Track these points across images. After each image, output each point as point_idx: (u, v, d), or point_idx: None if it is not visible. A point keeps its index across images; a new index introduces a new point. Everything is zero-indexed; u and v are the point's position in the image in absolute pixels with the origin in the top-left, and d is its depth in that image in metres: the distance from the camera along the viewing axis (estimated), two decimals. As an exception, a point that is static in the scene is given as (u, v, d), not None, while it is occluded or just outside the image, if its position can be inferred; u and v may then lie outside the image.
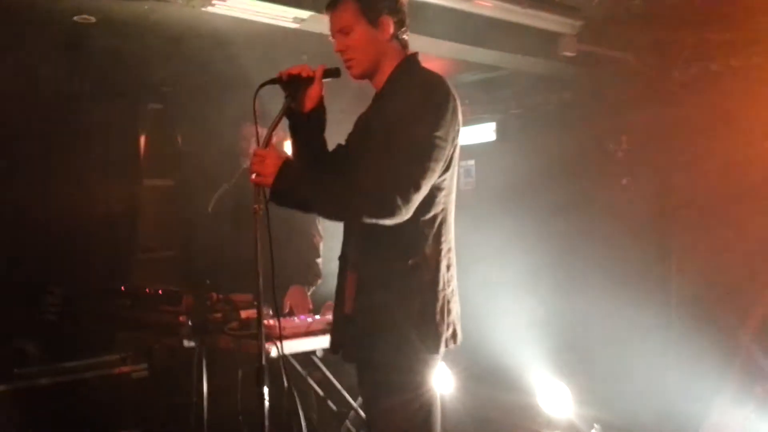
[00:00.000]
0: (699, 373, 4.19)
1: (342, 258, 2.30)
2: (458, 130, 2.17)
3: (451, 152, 2.14)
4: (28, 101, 5.02)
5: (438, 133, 2.06)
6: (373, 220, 2.02)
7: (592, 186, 5.15)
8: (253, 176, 2.09)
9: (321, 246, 3.95)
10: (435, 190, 2.12)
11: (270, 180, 2.06)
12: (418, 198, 2.04)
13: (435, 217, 2.16)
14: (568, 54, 4.38)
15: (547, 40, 4.37)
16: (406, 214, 2.02)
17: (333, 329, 2.35)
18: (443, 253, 2.18)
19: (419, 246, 2.13)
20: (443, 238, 2.19)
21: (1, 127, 4.89)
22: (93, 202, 5.29)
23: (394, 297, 2.10)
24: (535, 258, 5.00)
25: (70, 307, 4.57)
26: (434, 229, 2.16)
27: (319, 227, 3.98)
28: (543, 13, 4.05)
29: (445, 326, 2.14)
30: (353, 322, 2.18)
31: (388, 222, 2.01)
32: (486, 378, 4.95)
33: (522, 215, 5.15)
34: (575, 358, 4.80)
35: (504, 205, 5.34)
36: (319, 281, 3.90)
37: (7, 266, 4.81)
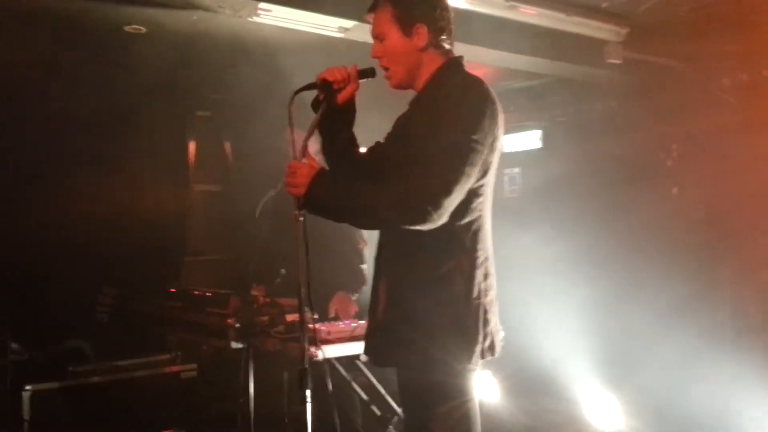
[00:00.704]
0: (752, 386, 4.09)
1: (376, 262, 2.29)
2: (498, 136, 2.11)
3: (489, 157, 2.08)
4: (82, 107, 5.20)
5: (475, 137, 2.01)
6: (406, 227, 2.01)
7: (641, 195, 5.06)
8: (287, 187, 2.13)
9: (366, 251, 3.98)
10: (471, 196, 2.07)
11: (302, 191, 2.08)
12: (451, 203, 1.99)
13: (470, 223, 2.11)
14: (615, 61, 4.34)
15: (593, 47, 4.34)
16: (438, 220, 1.97)
17: (367, 333, 2.31)
18: (479, 261, 2.12)
19: (453, 253, 2.08)
20: (479, 246, 2.13)
21: (57, 132, 5.08)
22: (144, 206, 5.44)
23: (426, 305, 2.06)
24: (582, 267, 4.95)
25: (123, 308, 4.70)
26: (469, 236, 2.11)
27: (364, 233, 4.01)
28: (588, 21, 4.02)
29: (481, 337, 2.08)
30: (384, 329, 2.17)
31: (420, 228, 1.99)
32: (532, 388, 4.92)
33: (568, 224, 5.10)
34: (623, 369, 4.73)
35: (550, 213, 5.31)
36: (364, 287, 3.93)
37: (64, 267, 4.98)
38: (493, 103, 2.09)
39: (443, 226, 2.00)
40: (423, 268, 2.08)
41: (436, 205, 1.95)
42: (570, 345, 4.81)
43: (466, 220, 2.09)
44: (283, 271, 3.92)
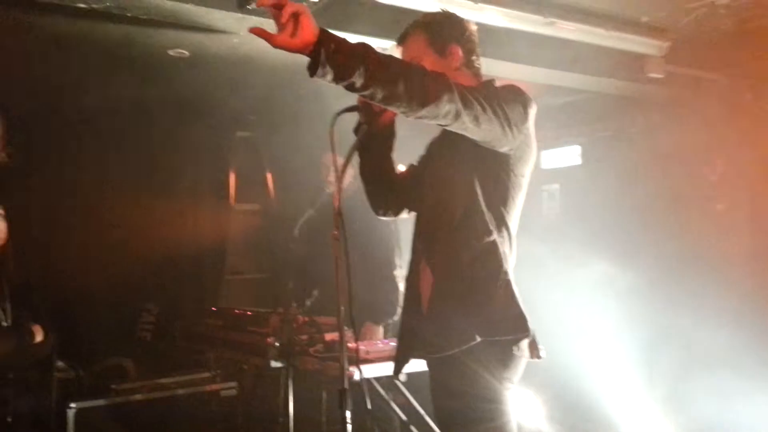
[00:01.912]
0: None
1: (414, 253, 2.31)
2: (532, 136, 2.20)
3: (527, 142, 2.17)
4: (125, 130, 5.33)
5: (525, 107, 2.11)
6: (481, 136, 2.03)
7: (684, 211, 4.96)
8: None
9: (401, 274, 3.95)
10: (513, 177, 2.16)
11: (312, 33, 1.76)
12: (519, 133, 2.07)
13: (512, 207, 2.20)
14: (656, 75, 4.27)
15: (634, 61, 4.28)
16: (515, 136, 2.06)
17: (410, 327, 2.31)
18: (513, 237, 2.21)
19: (489, 229, 2.14)
20: (512, 224, 2.21)
21: (101, 154, 5.21)
22: (186, 226, 5.53)
23: (470, 283, 2.11)
24: (624, 286, 4.85)
25: (165, 326, 4.78)
26: (509, 211, 2.19)
27: (397, 260, 3.97)
28: (628, 35, 3.97)
29: (522, 305, 2.14)
30: (436, 316, 2.17)
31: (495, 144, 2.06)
32: (575, 412, 4.81)
33: (609, 242, 5.01)
34: (669, 390, 4.60)
35: (590, 230, 5.22)
36: (396, 316, 3.89)
37: (108, 287, 5.09)
38: (531, 101, 2.16)
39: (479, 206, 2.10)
40: (460, 248, 2.13)
41: (509, 123, 2.03)
42: (615, 365, 4.70)
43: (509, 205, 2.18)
44: (315, 292, 3.93)
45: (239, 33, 3.47)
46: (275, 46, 1.77)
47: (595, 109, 5.55)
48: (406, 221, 2.55)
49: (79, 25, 3.52)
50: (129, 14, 3.12)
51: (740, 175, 4.76)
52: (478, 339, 2.07)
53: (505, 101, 2.05)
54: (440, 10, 2.38)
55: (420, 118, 1.92)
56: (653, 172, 5.06)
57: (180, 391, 3.93)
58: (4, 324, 3.15)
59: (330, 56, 1.76)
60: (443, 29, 2.26)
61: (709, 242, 4.76)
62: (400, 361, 2.36)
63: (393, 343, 3.17)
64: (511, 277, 2.16)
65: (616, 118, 5.57)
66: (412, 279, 2.33)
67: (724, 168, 4.90)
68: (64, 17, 3.39)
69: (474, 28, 2.32)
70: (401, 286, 3.85)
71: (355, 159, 2.35)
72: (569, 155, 5.86)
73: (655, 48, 4.14)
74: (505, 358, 2.11)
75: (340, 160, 2.19)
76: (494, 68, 2.32)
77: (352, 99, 2.23)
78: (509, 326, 2.10)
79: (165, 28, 3.50)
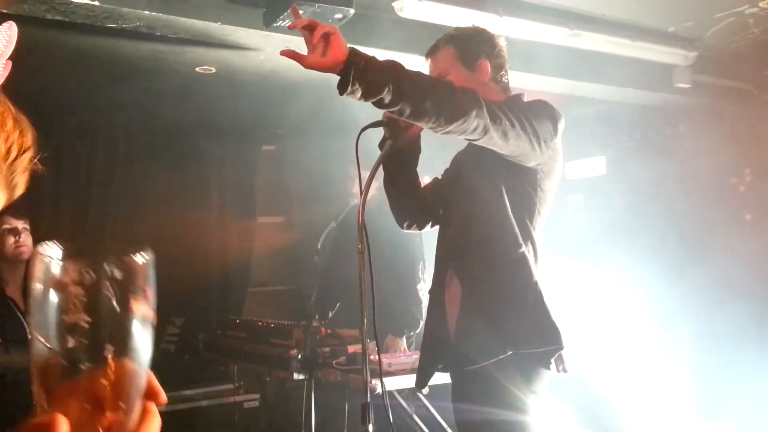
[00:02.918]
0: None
1: (439, 266, 2.31)
2: (560, 151, 2.21)
3: (555, 157, 2.18)
4: (153, 144, 5.39)
5: (553, 124, 2.12)
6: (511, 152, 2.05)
7: (713, 221, 4.90)
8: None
9: (424, 288, 3.93)
10: (538, 181, 2.16)
11: (343, 52, 1.80)
12: (546, 142, 2.08)
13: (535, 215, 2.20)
14: (683, 86, 4.23)
15: (661, 72, 4.24)
16: (542, 152, 2.07)
17: (429, 345, 2.31)
18: (538, 251, 2.20)
19: (519, 242, 2.14)
20: (538, 236, 2.21)
21: (128, 167, 5.27)
22: (211, 238, 5.57)
23: (501, 295, 2.11)
24: (650, 297, 4.79)
25: (188, 338, 4.79)
26: (535, 225, 2.19)
27: (421, 273, 3.96)
28: (655, 46, 3.93)
29: (553, 316, 2.12)
30: (459, 331, 2.16)
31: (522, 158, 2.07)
32: (603, 424, 4.74)
33: (635, 253, 4.95)
34: (714, 402, 4.50)
35: (615, 242, 5.16)
36: (418, 329, 3.87)
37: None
38: (560, 117, 2.18)
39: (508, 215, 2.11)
40: (493, 259, 2.15)
41: (538, 139, 2.05)
42: (646, 379, 4.63)
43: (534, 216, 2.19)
44: (338, 304, 3.93)
45: (265, 50, 3.51)
46: (306, 66, 1.83)
47: (621, 118, 5.50)
48: (430, 234, 2.55)
49: (109, 42, 3.58)
50: (158, 33, 3.16)
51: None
52: (509, 352, 2.05)
53: (534, 116, 2.06)
54: (470, 25, 2.39)
55: (448, 133, 1.93)
56: (680, 182, 5.00)
57: (203, 403, 3.95)
58: (28, 337, 3.18)
59: (359, 73, 1.79)
60: (473, 43, 2.28)
61: (738, 253, 4.68)
62: (424, 374, 2.35)
63: (416, 356, 3.17)
64: (542, 288, 2.15)
65: (643, 127, 5.51)
66: (437, 292, 2.31)
67: (752, 178, 4.82)
68: (95, 36, 3.44)
69: (503, 44, 2.33)
70: (424, 300, 3.84)
71: (380, 172, 2.35)
72: (594, 166, 5.81)
73: (682, 58, 4.09)
74: (532, 371, 2.10)
75: (365, 174, 2.19)
76: (519, 80, 2.31)
77: (378, 114, 2.23)
78: (541, 338, 2.09)
79: (193, 45, 3.54)
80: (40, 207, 4.70)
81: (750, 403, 4.27)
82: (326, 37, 1.78)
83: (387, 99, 1.82)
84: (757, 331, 4.35)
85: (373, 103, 1.85)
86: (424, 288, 3.86)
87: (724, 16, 3.79)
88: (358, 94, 1.82)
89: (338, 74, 1.81)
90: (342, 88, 1.81)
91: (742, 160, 4.84)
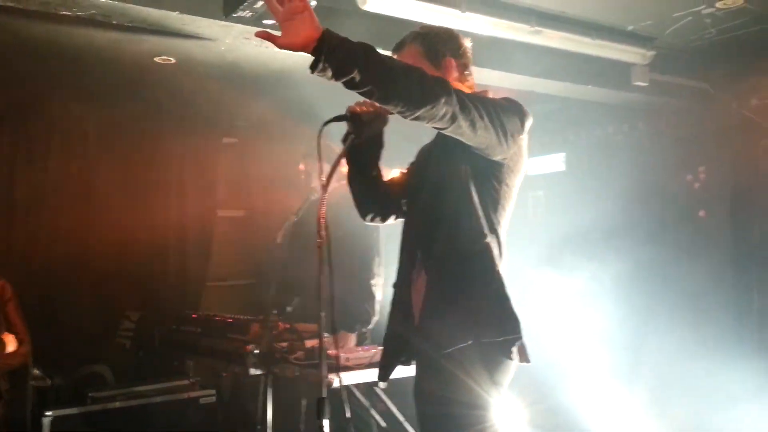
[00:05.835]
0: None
1: (403, 258, 2.30)
2: (525, 148, 2.21)
3: (520, 153, 2.19)
4: (111, 136, 5.27)
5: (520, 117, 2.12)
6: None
7: (668, 218, 4.99)
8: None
9: (378, 283, 3.89)
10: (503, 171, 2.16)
11: (315, 32, 1.82)
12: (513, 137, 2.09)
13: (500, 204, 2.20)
14: (641, 84, 4.29)
15: (619, 70, 4.30)
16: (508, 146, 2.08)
17: (391, 338, 2.31)
18: (502, 245, 2.20)
19: (484, 231, 2.14)
20: (503, 231, 2.21)
21: (84, 159, 5.14)
22: (169, 231, 5.47)
23: (465, 283, 2.10)
24: (606, 291, 4.86)
25: (144, 333, 4.70)
26: (499, 219, 2.19)
27: (376, 268, 3.92)
28: (614, 44, 3.98)
29: (515, 310, 2.13)
30: (424, 321, 2.15)
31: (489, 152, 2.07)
32: (558, 415, 4.79)
33: (593, 247, 5.02)
34: (669, 397, 4.59)
35: (574, 236, 5.22)
36: (370, 325, 3.84)
37: (87, 293, 5.02)
38: (528, 114, 2.18)
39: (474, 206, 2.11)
40: (456, 248, 2.14)
41: (505, 133, 2.05)
42: (598, 368, 4.70)
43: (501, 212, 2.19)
44: (296, 299, 3.88)
45: (225, 40, 3.46)
46: (280, 46, 1.85)
47: (580, 116, 5.57)
48: (388, 229, 2.53)
49: (64, 30, 3.49)
50: (114, 22, 3.09)
51: (722, 182, 4.78)
52: (470, 341, 2.05)
53: (503, 111, 2.07)
54: (437, 24, 2.41)
55: (417, 119, 1.93)
56: (637, 178, 5.08)
57: (158, 399, 3.87)
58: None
59: (331, 53, 1.81)
60: (439, 42, 2.29)
61: (691, 248, 4.78)
62: (386, 367, 2.34)
63: (373, 350, 3.16)
64: (504, 279, 2.16)
65: (602, 125, 5.59)
66: (401, 285, 2.31)
67: (706, 175, 4.92)
68: (49, 23, 3.36)
69: (469, 45, 2.35)
70: (378, 295, 3.83)
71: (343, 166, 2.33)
72: (553, 162, 5.88)
73: (640, 56, 4.15)
74: (495, 362, 2.10)
75: (326, 168, 2.16)
76: (481, 76, 2.31)
77: (340, 108, 2.23)
78: (501, 328, 2.09)
79: (151, 35, 3.47)
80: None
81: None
82: (302, 10, 1.81)
83: (357, 78, 1.83)
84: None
85: (344, 83, 1.85)
86: (378, 283, 3.85)
87: (681, 16, 3.85)
88: (329, 73, 1.83)
89: (310, 53, 1.82)
90: (313, 66, 1.83)
91: (697, 158, 4.94)
